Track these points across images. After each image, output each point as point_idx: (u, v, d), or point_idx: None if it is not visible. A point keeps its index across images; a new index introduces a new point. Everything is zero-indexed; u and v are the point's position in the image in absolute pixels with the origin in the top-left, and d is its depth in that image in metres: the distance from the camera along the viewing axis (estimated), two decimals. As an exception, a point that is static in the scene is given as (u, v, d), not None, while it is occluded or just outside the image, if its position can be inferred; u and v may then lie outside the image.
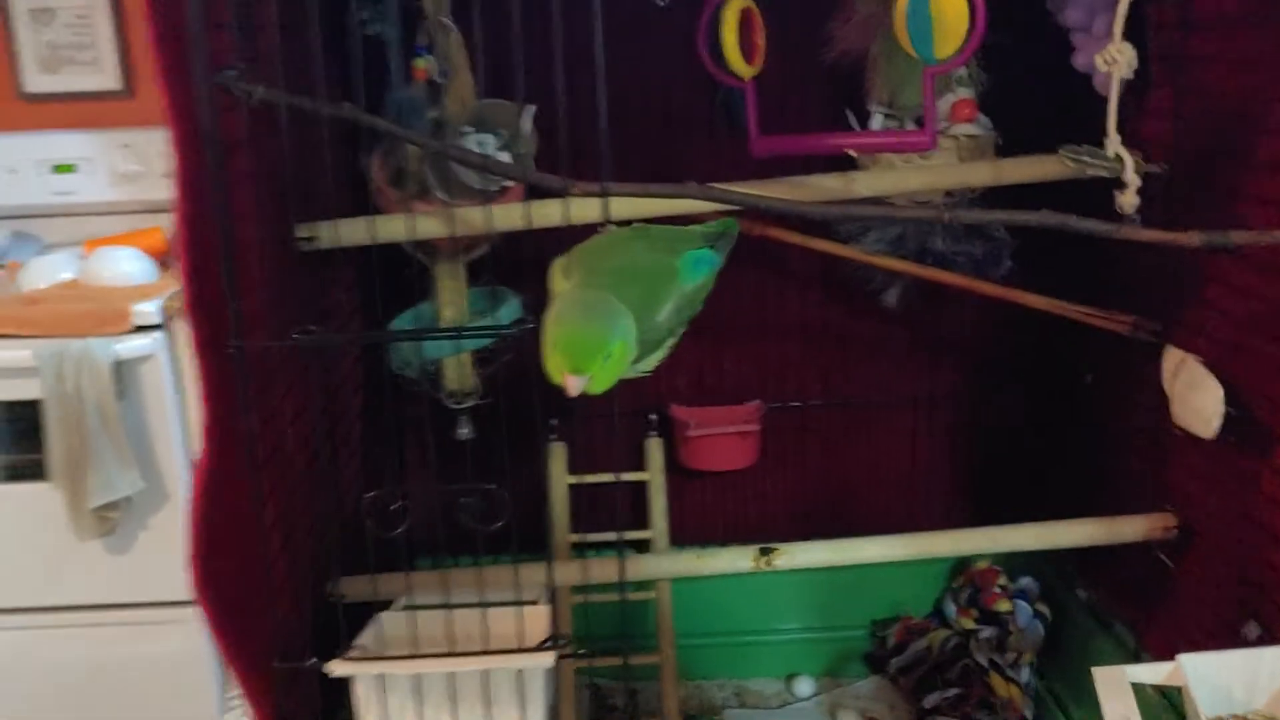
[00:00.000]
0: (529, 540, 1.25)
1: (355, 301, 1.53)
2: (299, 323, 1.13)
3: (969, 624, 1.69)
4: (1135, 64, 1.11)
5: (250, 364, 1.04)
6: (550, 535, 1.56)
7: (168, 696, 1.56)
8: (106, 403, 1.37)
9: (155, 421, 1.43)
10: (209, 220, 1.00)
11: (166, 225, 1.96)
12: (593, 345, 0.87)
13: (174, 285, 1.72)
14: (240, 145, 1.05)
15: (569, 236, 1.23)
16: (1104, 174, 1.12)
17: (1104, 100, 1.38)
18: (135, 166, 1.69)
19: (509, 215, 1.29)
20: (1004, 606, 1.65)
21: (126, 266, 1.55)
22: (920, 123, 1.53)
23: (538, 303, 1.59)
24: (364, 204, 1.51)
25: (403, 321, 1.54)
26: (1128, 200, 1.12)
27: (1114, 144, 1.12)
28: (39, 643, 1.54)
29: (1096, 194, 1.45)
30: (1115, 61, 1.10)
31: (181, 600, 1.47)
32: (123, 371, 1.40)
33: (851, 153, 1.39)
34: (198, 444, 1.05)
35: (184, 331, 1.58)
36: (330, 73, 1.42)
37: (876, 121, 1.50)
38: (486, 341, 1.45)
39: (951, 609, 1.73)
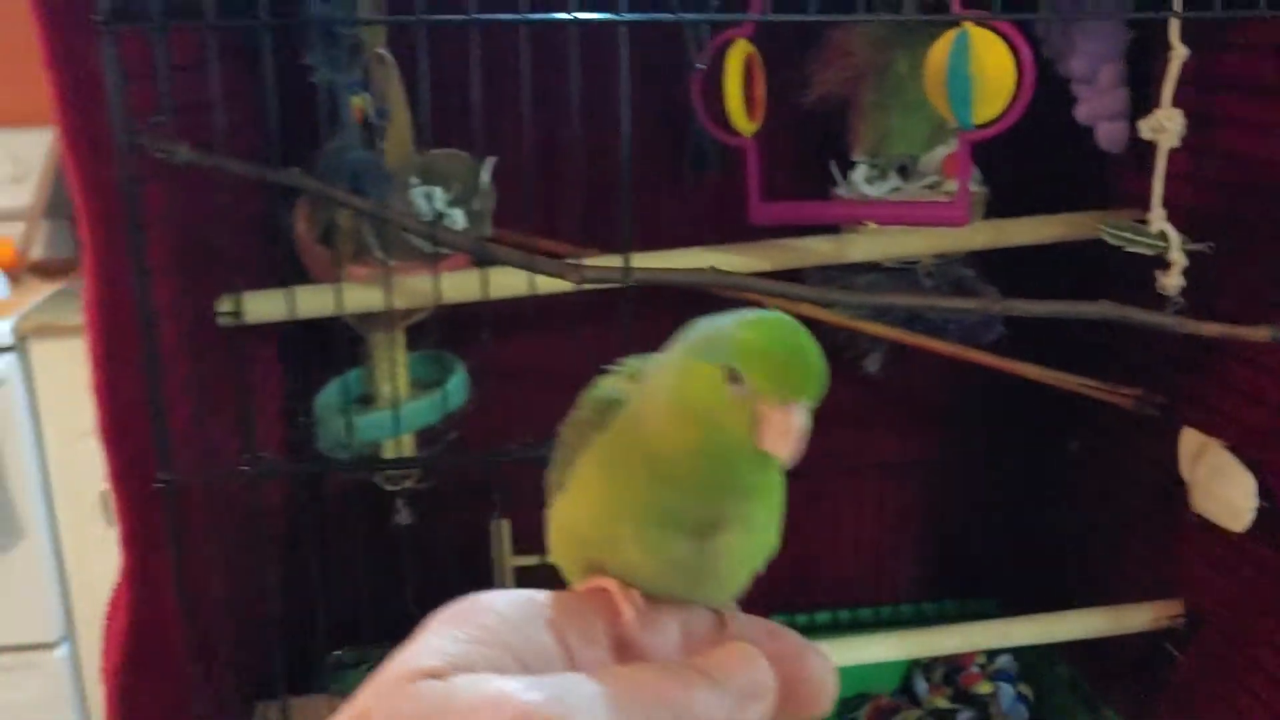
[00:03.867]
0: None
1: (277, 374, 1.32)
2: (223, 425, 0.94)
3: (942, 703, 1.58)
4: (1184, 131, 1.01)
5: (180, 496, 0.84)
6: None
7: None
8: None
9: (8, 451, 1.23)
10: (126, 318, 0.80)
11: (16, 235, 1.73)
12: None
13: (29, 300, 1.51)
14: (159, 220, 0.85)
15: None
16: (1146, 251, 1.01)
17: (1104, 156, 1.30)
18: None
19: (463, 285, 1.12)
20: (984, 689, 1.54)
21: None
22: (904, 173, 1.42)
23: (483, 368, 1.43)
24: (284, 264, 1.32)
25: (329, 395, 1.34)
26: (1171, 282, 1.01)
27: (1159, 219, 1.01)
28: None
29: (1089, 253, 1.36)
30: (1164, 129, 0.99)
31: (40, 643, 1.33)
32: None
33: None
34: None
35: (42, 354, 1.40)
36: (238, 119, 1.23)
37: (860, 173, 1.38)
38: (434, 418, 1.27)
39: (923, 686, 1.61)
